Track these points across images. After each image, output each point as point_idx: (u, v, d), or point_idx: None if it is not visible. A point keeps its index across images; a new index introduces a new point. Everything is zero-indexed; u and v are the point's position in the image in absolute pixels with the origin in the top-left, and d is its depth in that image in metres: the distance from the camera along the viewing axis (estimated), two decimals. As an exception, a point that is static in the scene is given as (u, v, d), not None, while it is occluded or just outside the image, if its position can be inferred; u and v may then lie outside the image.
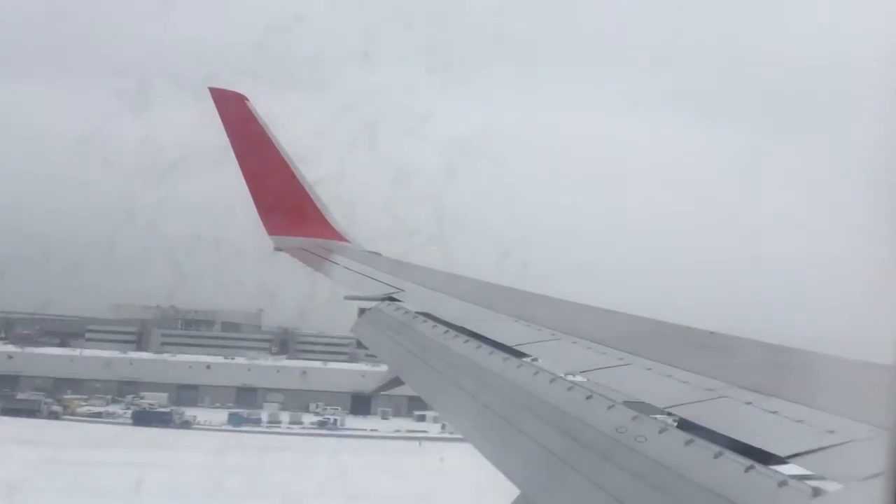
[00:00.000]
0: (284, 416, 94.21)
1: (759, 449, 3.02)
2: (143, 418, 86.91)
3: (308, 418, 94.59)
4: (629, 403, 3.86)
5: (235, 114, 12.67)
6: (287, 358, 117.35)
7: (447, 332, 6.15)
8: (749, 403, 3.56)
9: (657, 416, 3.65)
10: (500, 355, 5.12)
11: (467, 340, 5.70)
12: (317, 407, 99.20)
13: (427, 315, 6.84)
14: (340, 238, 12.89)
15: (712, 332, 5.36)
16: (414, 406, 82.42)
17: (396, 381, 6.17)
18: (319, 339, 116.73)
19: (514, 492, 3.80)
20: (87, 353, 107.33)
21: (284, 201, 13.07)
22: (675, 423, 3.49)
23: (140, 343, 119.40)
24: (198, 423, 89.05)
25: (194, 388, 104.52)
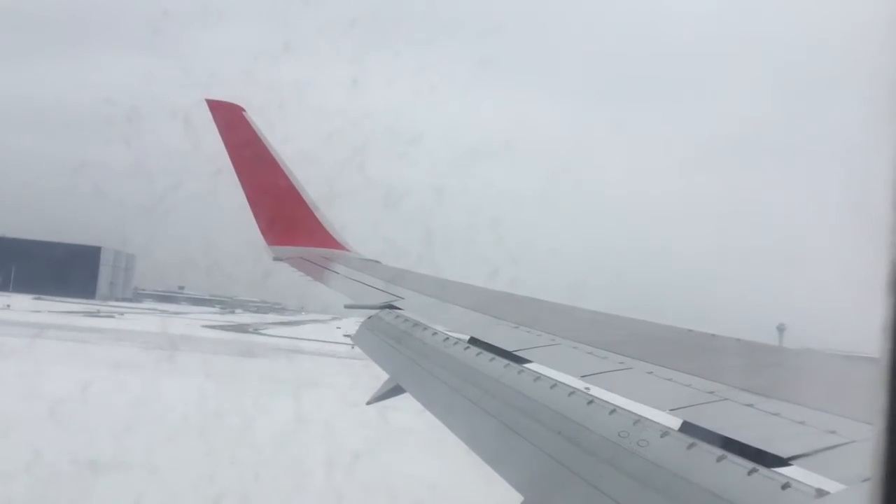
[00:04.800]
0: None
1: (762, 451, 3.01)
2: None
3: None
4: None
5: (233, 125, 12.70)
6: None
7: (447, 339, 6.15)
8: (751, 406, 3.55)
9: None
10: (500, 362, 5.12)
11: (467, 347, 5.70)
12: None
13: (426, 322, 6.84)
14: (339, 247, 12.91)
15: (713, 335, 5.36)
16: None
17: (397, 390, 6.16)
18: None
19: (518, 498, 3.79)
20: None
21: (283, 211, 13.09)
22: (678, 427, 3.49)
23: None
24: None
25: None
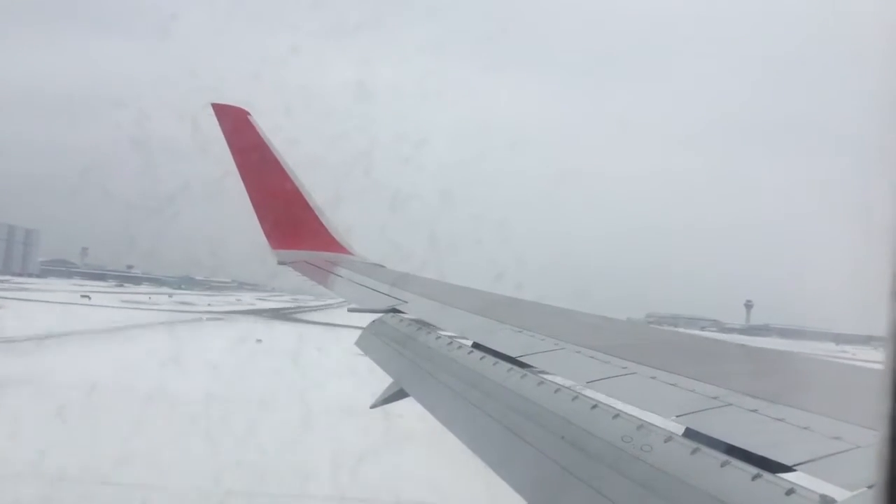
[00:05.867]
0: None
1: (766, 457, 3.00)
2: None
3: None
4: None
5: (238, 129, 12.71)
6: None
7: (451, 343, 6.14)
8: (755, 411, 3.54)
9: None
10: (503, 366, 5.11)
11: (471, 351, 5.69)
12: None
13: (430, 326, 6.84)
14: (344, 250, 12.91)
15: (717, 339, 5.36)
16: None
17: (401, 393, 6.16)
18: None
19: (521, 502, 3.78)
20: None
21: (288, 215, 13.09)
22: (681, 432, 3.48)
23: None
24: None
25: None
